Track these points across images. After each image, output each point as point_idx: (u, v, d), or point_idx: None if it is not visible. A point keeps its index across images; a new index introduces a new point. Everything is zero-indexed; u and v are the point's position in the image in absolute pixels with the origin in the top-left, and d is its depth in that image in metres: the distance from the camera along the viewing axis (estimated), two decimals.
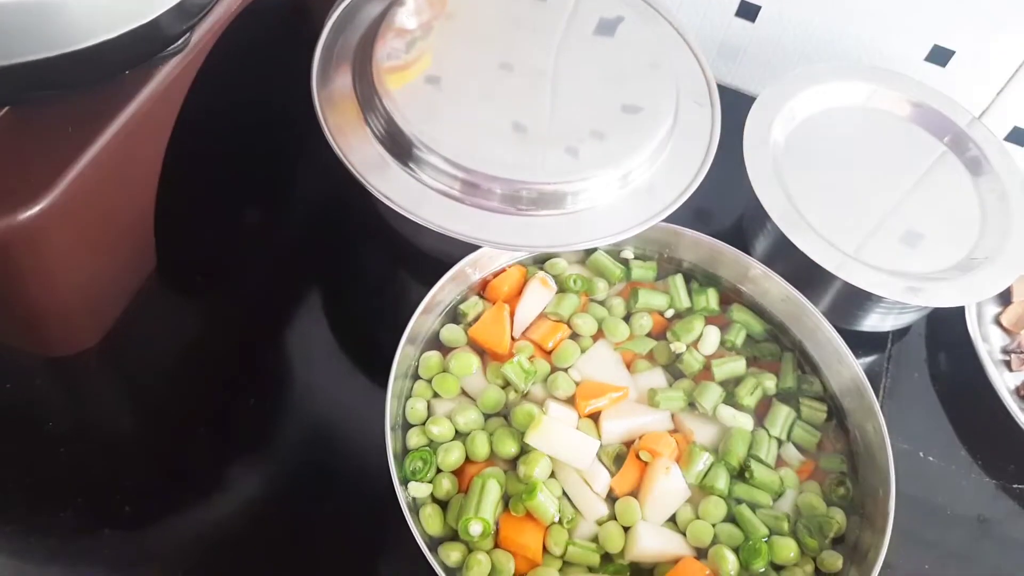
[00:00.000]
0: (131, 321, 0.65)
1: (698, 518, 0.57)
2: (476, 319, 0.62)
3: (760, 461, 0.59)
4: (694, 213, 0.69)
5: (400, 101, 0.63)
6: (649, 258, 0.68)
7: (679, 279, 0.66)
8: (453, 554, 0.54)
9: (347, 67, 0.66)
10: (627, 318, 0.65)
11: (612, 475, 0.57)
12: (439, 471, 0.57)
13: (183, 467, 0.61)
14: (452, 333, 0.62)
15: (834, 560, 0.56)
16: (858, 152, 0.74)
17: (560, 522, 0.55)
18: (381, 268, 0.73)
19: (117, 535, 0.57)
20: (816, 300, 0.65)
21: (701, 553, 0.56)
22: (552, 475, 0.57)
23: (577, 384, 0.60)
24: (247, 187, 0.74)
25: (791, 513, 0.58)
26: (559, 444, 0.56)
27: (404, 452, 0.57)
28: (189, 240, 0.69)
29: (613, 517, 0.56)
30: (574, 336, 0.63)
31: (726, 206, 0.77)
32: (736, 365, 0.63)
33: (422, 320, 0.59)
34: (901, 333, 0.75)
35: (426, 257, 0.66)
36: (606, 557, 0.56)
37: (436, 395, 0.60)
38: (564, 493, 0.56)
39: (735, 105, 0.72)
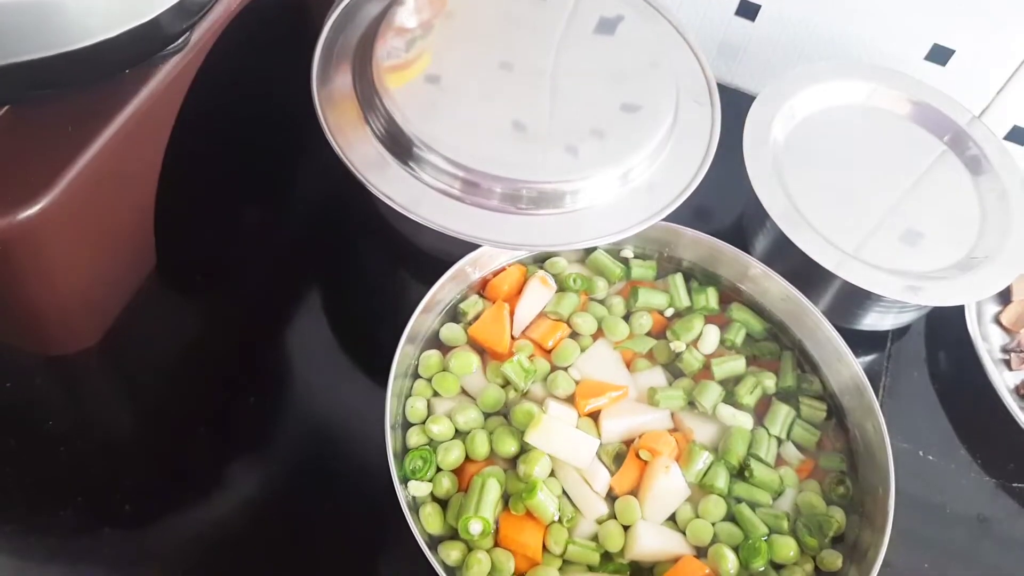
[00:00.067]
0: (131, 320, 0.65)
1: (698, 517, 0.57)
2: (476, 318, 0.62)
3: (760, 460, 0.59)
4: (694, 212, 0.69)
5: (400, 100, 0.63)
6: (649, 257, 0.68)
7: (679, 278, 0.66)
8: (453, 553, 0.54)
9: (347, 66, 0.66)
10: (627, 317, 0.65)
11: (612, 474, 0.57)
12: (439, 470, 0.57)
13: (183, 467, 0.61)
14: (452, 332, 0.62)
15: (834, 559, 0.56)
16: (858, 151, 0.74)
17: (560, 521, 0.55)
18: (381, 267, 0.73)
19: (117, 534, 0.57)
20: (816, 299, 0.65)
21: (701, 552, 0.56)
22: (552, 474, 0.57)
23: (577, 383, 0.60)
24: (247, 186, 0.74)
25: (791, 512, 0.58)
26: (559, 443, 0.56)
27: (404, 451, 0.57)
28: (189, 240, 0.69)
29: (613, 516, 0.56)
30: (574, 335, 0.63)
31: (726, 205, 0.77)
32: (736, 364, 0.63)
33: (422, 319, 0.59)
34: (901, 332, 0.75)
35: (426, 256, 0.66)
36: (606, 556, 0.56)
37: (436, 394, 0.60)
38: (564, 492, 0.56)
39: (735, 104, 0.72)
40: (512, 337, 0.62)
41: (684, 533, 0.56)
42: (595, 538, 0.56)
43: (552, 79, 0.67)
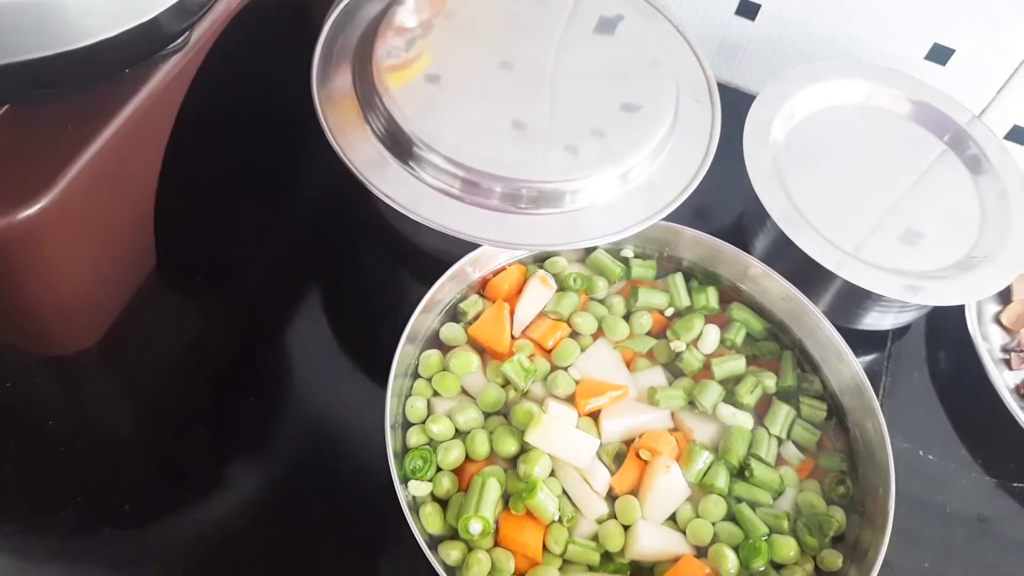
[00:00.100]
0: (131, 320, 0.65)
1: (698, 517, 0.57)
2: (476, 318, 0.62)
3: (760, 460, 0.59)
4: (694, 211, 0.69)
5: (400, 100, 0.63)
6: (649, 257, 0.68)
7: (679, 278, 0.66)
8: (453, 553, 0.54)
9: (347, 66, 0.66)
10: (627, 317, 0.65)
11: (612, 474, 0.57)
12: (439, 470, 0.57)
13: (183, 467, 0.61)
14: (452, 332, 0.62)
15: (834, 559, 0.56)
16: (858, 150, 0.74)
17: (560, 521, 0.55)
18: (381, 267, 0.73)
19: (117, 534, 0.57)
20: (816, 299, 0.65)
21: (701, 552, 0.56)
22: (552, 474, 0.57)
23: (577, 383, 0.60)
24: (247, 186, 0.74)
25: (791, 512, 0.58)
26: (559, 443, 0.56)
27: (404, 451, 0.57)
28: (189, 240, 0.68)
29: (613, 516, 0.56)
30: (574, 335, 0.63)
31: (726, 204, 0.77)
32: (736, 364, 0.63)
33: (422, 319, 0.59)
34: (901, 332, 0.75)
35: (426, 256, 0.66)
36: (606, 556, 0.55)
37: (436, 394, 0.60)
38: (564, 492, 0.56)
39: (735, 103, 0.72)
40: (512, 337, 0.62)
41: (684, 533, 0.56)
42: (595, 538, 0.56)
43: (552, 79, 0.67)
